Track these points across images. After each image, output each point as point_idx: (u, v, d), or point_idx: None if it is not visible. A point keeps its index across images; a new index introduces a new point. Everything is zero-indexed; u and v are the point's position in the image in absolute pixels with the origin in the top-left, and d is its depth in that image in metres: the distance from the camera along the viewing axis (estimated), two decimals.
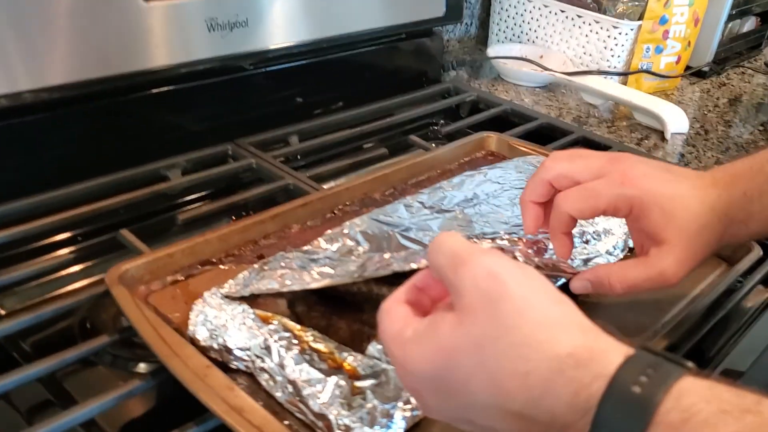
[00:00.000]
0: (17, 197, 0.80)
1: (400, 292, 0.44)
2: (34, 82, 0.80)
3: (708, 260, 0.61)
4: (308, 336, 0.56)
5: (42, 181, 0.83)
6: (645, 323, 0.66)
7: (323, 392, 0.52)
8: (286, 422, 0.52)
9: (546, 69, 1.37)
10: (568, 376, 0.33)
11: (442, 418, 0.43)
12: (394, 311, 0.42)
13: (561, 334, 0.34)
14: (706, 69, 1.55)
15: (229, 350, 0.57)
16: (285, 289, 0.61)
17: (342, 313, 0.63)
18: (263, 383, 0.55)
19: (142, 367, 0.66)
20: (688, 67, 1.52)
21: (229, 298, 0.61)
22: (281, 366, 0.54)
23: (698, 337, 0.66)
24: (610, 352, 0.34)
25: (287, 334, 0.56)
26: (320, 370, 0.53)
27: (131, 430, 0.61)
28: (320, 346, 0.56)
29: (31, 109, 0.81)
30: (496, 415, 0.36)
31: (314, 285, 0.60)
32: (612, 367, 0.33)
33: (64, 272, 0.78)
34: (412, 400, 0.51)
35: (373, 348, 0.54)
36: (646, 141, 1.20)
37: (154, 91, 0.92)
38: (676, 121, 1.21)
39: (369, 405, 0.50)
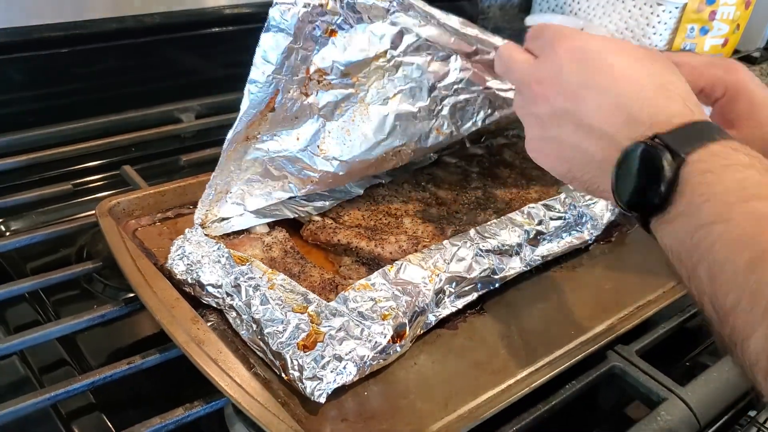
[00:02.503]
0: (35, 127, 0.84)
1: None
2: (68, 16, 0.83)
3: None
4: (278, 279, 0.58)
5: (61, 113, 0.86)
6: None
7: (284, 332, 0.53)
8: (250, 360, 0.54)
9: None
10: (679, 104, 0.45)
11: (535, 110, 0.51)
12: None
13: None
14: (756, 54, 1.49)
15: (202, 285, 0.59)
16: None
17: (317, 261, 0.65)
18: (230, 320, 0.57)
19: (131, 296, 0.68)
20: (736, 51, 1.46)
21: (208, 236, 0.63)
22: (248, 305, 0.56)
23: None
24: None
25: (258, 275, 0.58)
26: (284, 311, 0.55)
27: (110, 354, 0.64)
28: (288, 290, 0.57)
29: (61, 42, 0.84)
30: (604, 102, 0.46)
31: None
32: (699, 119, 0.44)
33: (72, 201, 0.81)
34: (365, 351, 0.52)
35: (340, 299, 0.55)
36: None
37: (185, 34, 0.94)
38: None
39: (325, 349, 0.52)
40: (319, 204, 0.70)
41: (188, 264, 0.60)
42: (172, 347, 0.54)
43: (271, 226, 0.66)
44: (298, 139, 0.64)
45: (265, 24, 0.57)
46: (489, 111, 0.74)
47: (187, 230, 0.62)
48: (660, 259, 0.47)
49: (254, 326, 0.55)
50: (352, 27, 0.62)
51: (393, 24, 0.64)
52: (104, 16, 0.85)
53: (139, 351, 0.56)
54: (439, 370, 0.55)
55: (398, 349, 0.54)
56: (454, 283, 0.60)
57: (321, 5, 0.59)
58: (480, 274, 0.61)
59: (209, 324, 0.57)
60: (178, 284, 0.60)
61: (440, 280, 0.59)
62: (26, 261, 0.73)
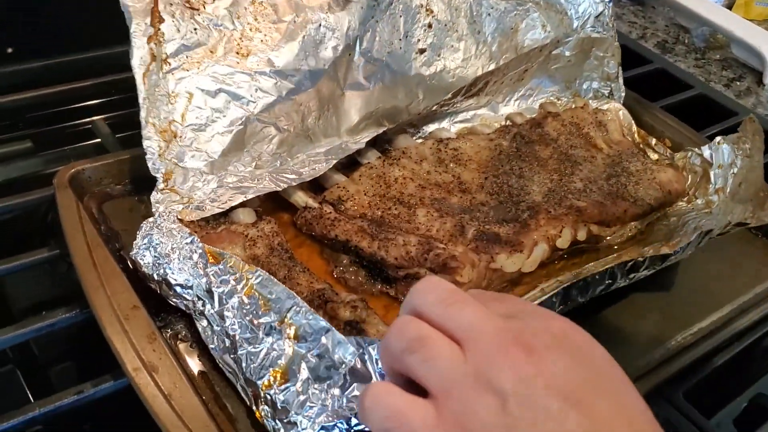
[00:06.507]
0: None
1: None
2: None
3: None
4: (255, 279, 0.47)
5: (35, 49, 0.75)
6: None
7: (258, 355, 0.44)
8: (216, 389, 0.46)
9: None
10: None
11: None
12: None
13: None
14: None
15: (169, 285, 0.49)
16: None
17: (310, 257, 0.55)
18: (200, 330, 0.48)
19: None
20: None
21: (182, 222, 0.52)
22: (221, 316, 0.46)
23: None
24: None
25: (232, 278, 0.47)
26: (261, 326, 0.45)
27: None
28: (264, 292, 0.46)
29: None
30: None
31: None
32: None
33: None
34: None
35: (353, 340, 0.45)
36: (738, 83, 1.03)
37: None
38: None
39: (303, 383, 0.42)
40: (306, 169, 0.58)
41: (155, 256, 0.50)
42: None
43: (260, 216, 0.56)
44: (212, 52, 0.58)
45: None
46: None
47: (158, 213, 0.52)
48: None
49: (227, 341, 0.46)
50: None
51: None
52: None
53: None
54: None
55: None
56: None
57: None
58: None
59: (171, 333, 0.49)
60: (143, 278, 0.50)
61: None
62: None
